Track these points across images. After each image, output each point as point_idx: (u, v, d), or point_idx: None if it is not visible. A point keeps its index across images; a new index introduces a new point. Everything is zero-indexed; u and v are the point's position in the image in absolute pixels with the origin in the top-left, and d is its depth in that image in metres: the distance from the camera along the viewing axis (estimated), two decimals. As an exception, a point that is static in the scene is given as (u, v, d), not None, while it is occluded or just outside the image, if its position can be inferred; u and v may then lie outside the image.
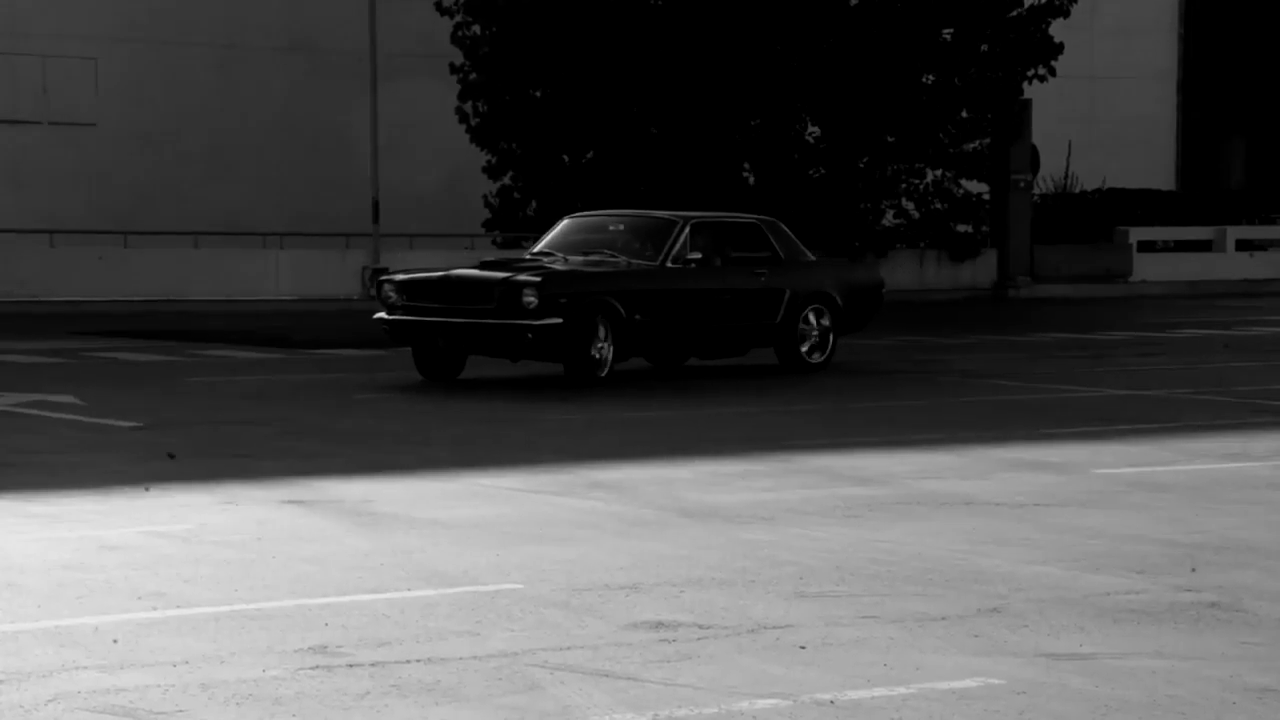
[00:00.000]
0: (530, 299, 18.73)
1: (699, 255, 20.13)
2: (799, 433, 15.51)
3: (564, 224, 21.42)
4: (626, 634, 7.99)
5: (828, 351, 21.47)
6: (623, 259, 20.15)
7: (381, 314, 19.87)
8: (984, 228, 41.07)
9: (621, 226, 21.14)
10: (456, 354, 19.83)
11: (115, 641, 7.80)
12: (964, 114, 39.03)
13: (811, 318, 21.32)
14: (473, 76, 38.11)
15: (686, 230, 20.39)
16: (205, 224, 40.32)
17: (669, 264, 20.04)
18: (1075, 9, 40.16)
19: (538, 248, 21.05)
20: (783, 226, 22.06)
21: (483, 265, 20.60)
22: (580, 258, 20.16)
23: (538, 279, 18.94)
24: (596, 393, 18.58)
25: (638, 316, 19.39)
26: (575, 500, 11.72)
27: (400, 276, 20.02)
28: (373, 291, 19.77)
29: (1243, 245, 45.53)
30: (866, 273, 23.68)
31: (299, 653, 7.64)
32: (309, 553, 9.86)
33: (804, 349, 21.23)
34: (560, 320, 18.76)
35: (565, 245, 20.64)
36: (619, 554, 9.85)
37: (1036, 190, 43.29)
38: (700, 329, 20.45)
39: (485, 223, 38.57)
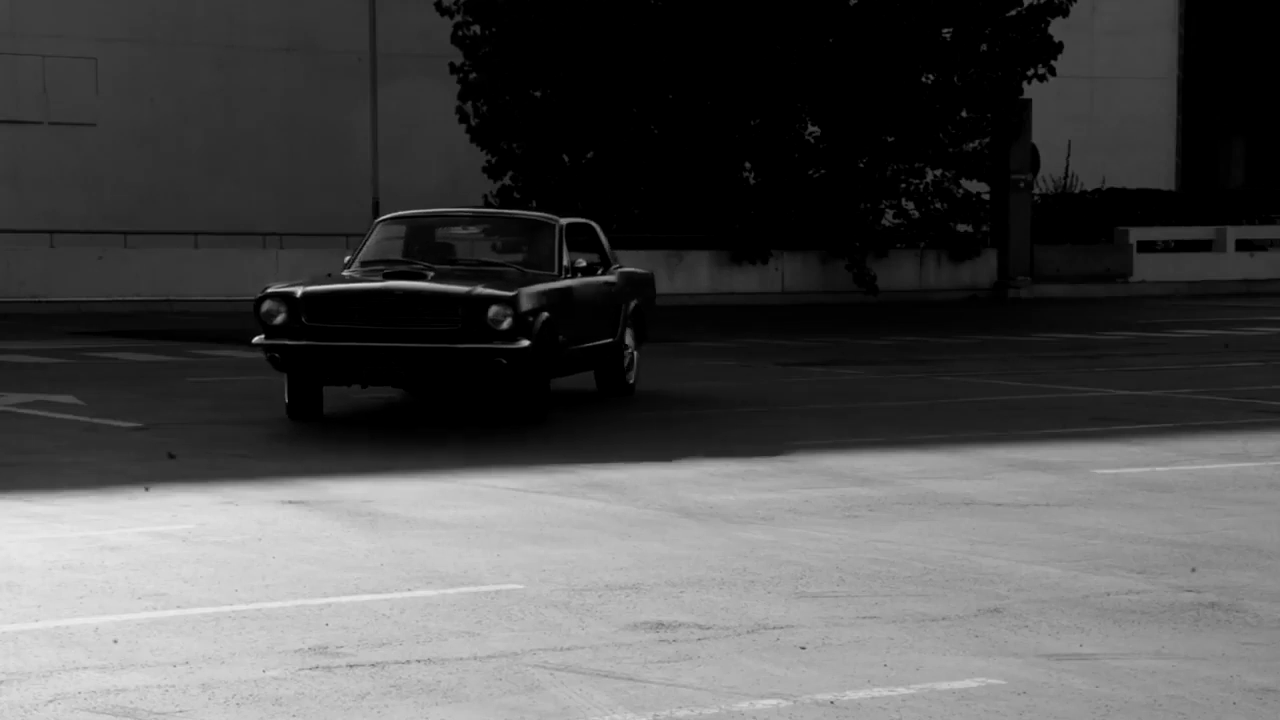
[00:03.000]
0: (503, 317, 15.33)
1: (585, 263, 17.17)
2: (799, 433, 15.50)
3: (382, 228, 17.73)
4: (627, 634, 7.99)
5: (636, 369, 18.52)
6: (513, 268, 16.84)
7: (259, 337, 15.73)
8: (984, 228, 41.07)
9: (478, 229, 18.08)
10: (372, 384, 16.30)
11: (115, 641, 7.80)
12: (964, 114, 39.04)
13: (630, 332, 18.34)
14: (473, 76, 38.12)
15: (565, 233, 17.24)
16: (205, 224, 40.33)
17: (565, 273, 16.84)
18: (1075, 9, 40.18)
19: (365, 256, 17.05)
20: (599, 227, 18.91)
21: (387, 276, 16.18)
22: (465, 267, 16.85)
23: (509, 293, 15.49)
24: (596, 392, 18.55)
25: (561, 337, 16.26)
26: (575, 500, 11.72)
27: (300, 290, 15.75)
28: (258, 308, 15.71)
29: (1243, 245, 45.53)
30: (651, 280, 19.77)
31: (299, 653, 7.64)
32: (309, 553, 9.86)
33: (625, 365, 18.20)
34: (529, 344, 15.46)
35: (412, 252, 17.20)
36: (619, 554, 9.85)
37: (1036, 190, 43.28)
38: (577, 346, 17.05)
39: None
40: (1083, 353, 24.90)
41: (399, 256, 17.03)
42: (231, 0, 42.78)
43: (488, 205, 38.01)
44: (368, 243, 17.39)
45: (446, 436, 15.31)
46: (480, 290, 15.49)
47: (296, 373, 15.82)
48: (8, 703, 6.87)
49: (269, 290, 15.89)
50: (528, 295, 15.65)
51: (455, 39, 38.20)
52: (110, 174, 41.46)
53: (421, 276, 16.07)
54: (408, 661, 7.50)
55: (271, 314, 15.64)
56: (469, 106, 38.16)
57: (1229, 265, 44.98)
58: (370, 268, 16.72)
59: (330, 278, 16.51)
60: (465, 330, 15.40)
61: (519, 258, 17.18)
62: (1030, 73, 38.97)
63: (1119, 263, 43.54)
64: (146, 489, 12.04)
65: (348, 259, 17.26)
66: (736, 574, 9.29)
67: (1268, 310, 35.45)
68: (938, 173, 39.78)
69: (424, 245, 17.45)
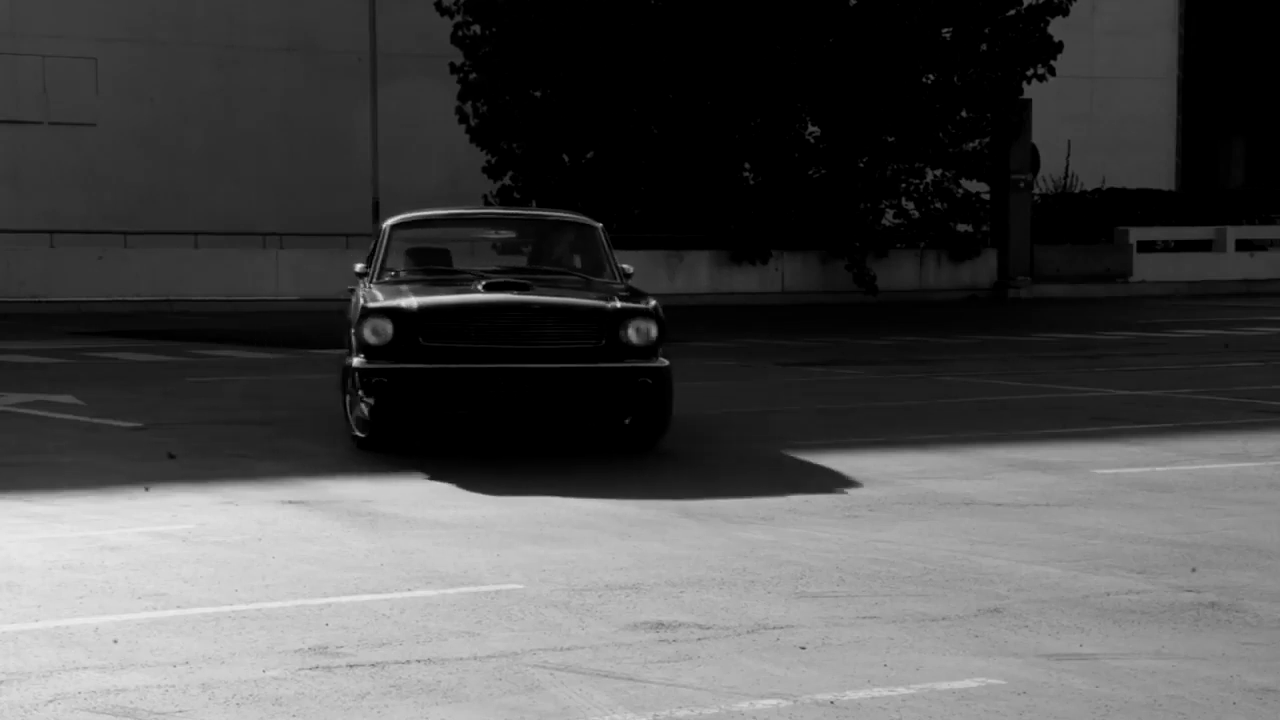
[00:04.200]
0: (648, 333, 13.74)
1: (630, 269, 15.55)
2: (799, 433, 15.50)
3: (398, 232, 15.51)
4: (627, 634, 7.99)
5: None
6: (578, 274, 15.18)
7: (357, 360, 13.64)
8: (984, 228, 41.10)
9: (515, 233, 16.37)
10: (495, 413, 14.46)
11: (115, 641, 7.80)
12: (964, 114, 39.07)
13: None
14: (473, 76, 38.14)
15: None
16: (205, 224, 40.37)
17: (623, 279, 15.16)
18: (1075, 8, 40.21)
19: (379, 264, 15.10)
20: None
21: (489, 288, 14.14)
22: (543, 275, 14.99)
23: (649, 306, 13.93)
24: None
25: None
26: (576, 500, 11.72)
27: (416, 303, 13.68)
28: (358, 327, 13.71)
29: (1243, 245, 45.55)
30: None
31: (299, 653, 7.64)
32: (309, 553, 9.86)
33: None
34: (669, 362, 13.96)
35: (443, 260, 15.41)
36: (619, 554, 9.85)
37: (1036, 190, 43.30)
38: None
39: None
40: (1083, 353, 24.90)
41: (438, 265, 15.24)
42: (231, 0, 42.81)
43: (488, 205, 38.05)
44: (381, 250, 15.26)
45: (446, 436, 15.30)
46: (618, 303, 13.82)
47: (409, 401, 13.66)
48: (8, 703, 6.87)
49: (372, 305, 13.69)
50: (659, 309, 14.03)
51: (455, 39, 38.22)
52: (110, 174, 41.48)
53: (527, 288, 14.12)
54: (408, 661, 7.50)
55: (378, 333, 13.52)
56: (469, 106, 38.18)
57: (1229, 265, 45.00)
58: (437, 276, 14.73)
59: (415, 290, 14.09)
60: (607, 348, 13.62)
61: (572, 263, 15.48)
62: (1030, 73, 38.99)
63: (1119, 263, 43.56)
64: (146, 489, 12.05)
65: (362, 267, 15.44)
66: (736, 574, 9.29)
67: (1268, 310, 35.45)
68: (938, 173, 39.81)
69: (446, 249, 15.87)
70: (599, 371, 13.61)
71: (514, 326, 13.63)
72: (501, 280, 14.30)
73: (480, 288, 14.04)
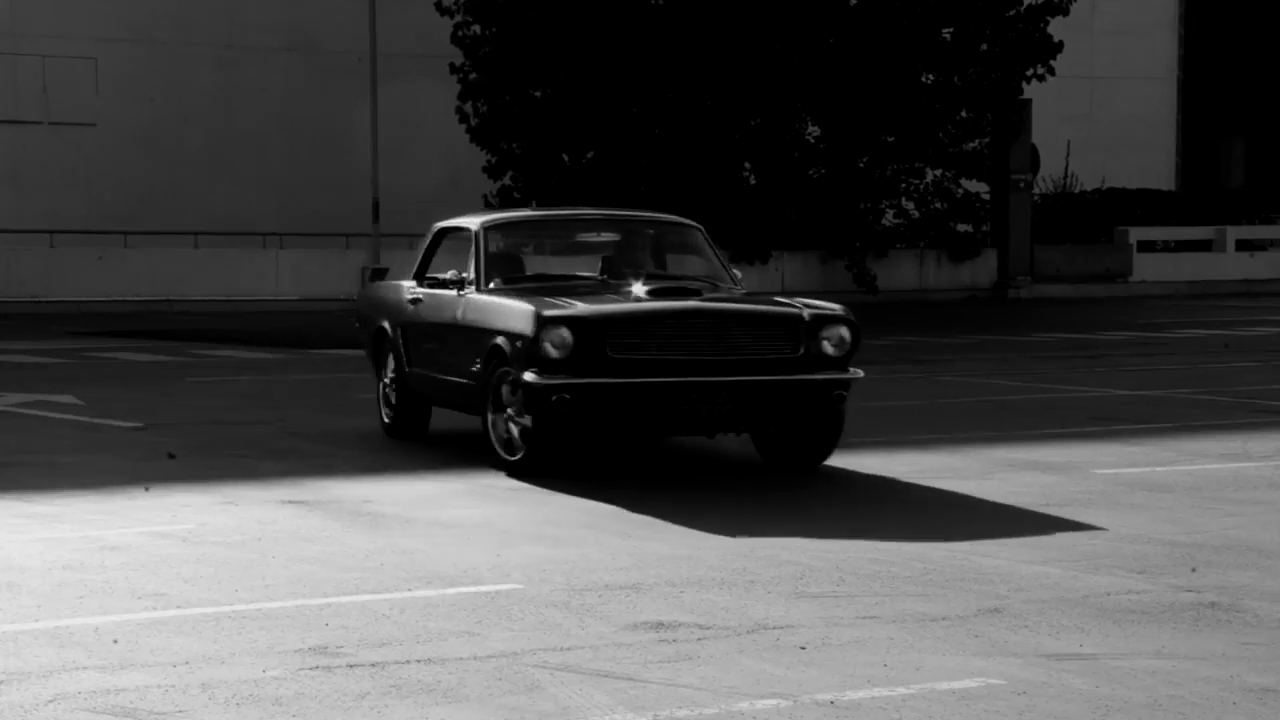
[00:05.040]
0: (845, 341, 12.93)
1: (739, 274, 14.57)
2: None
3: (492, 236, 14.02)
4: (627, 634, 7.99)
5: None
6: (704, 279, 14.08)
7: (530, 375, 12.26)
8: (984, 228, 41.11)
9: (618, 235, 14.98)
10: (688, 432, 13.19)
11: (115, 641, 7.80)
12: (964, 114, 39.06)
13: None
14: (473, 76, 38.14)
15: None
16: (205, 224, 40.40)
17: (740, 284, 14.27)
18: (1075, 8, 40.20)
19: (482, 270, 13.68)
20: None
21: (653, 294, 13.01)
22: (663, 281, 13.56)
23: (843, 311, 13.13)
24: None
25: None
26: (576, 500, 11.72)
27: (604, 310, 12.45)
28: (534, 337, 12.22)
29: (1243, 245, 45.56)
30: None
31: (299, 653, 7.64)
32: (309, 553, 9.86)
33: None
34: (861, 374, 13.26)
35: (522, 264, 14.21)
36: (619, 554, 9.85)
37: (1036, 190, 43.30)
38: None
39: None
40: (1083, 353, 24.90)
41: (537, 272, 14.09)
42: (231, 0, 42.80)
43: (488, 205, 38.07)
44: (483, 254, 13.77)
45: (446, 436, 15.30)
46: (815, 309, 12.90)
47: (590, 418, 12.40)
48: (8, 703, 6.87)
49: (550, 314, 12.29)
50: (852, 314, 13.18)
51: (455, 39, 38.22)
52: (110, 174, 41.48)
53: (697, 294, 13.28)
54: (408, 661, 7.50)
55: (560, 344, 12.20)
56: (469, 106, 38.18)
57: (1229, 265, 45.00)
58: (569, 284, 13.60)
59: (580, 299, 12.79)
60: (801, 358, 12.64)
61: (680, 266, 14.54)
62: (1030, 72, 38.99)
63: (1119, 263, 43.57)
64: (146, 489, 12.05)
65: (414, 276, 14.63)
66: (736, 574, 9.29)
67: (1268, 310, 35.45)
68: (938, 173, 39.82)
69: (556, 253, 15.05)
70: (796, 384, 12.57)
71: (703, 336, 12.49)
72: (661, 287, 13.17)
73: (643, 294, 12.93)
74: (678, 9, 37.47)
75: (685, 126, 37.69)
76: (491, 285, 13.50)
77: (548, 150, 38.14)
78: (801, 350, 12.60)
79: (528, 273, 13.96)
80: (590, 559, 9.69)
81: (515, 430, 12.67)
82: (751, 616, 8.33)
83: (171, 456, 13.66)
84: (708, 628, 8.11)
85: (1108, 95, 51.68)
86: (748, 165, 39.02)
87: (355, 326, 16.31)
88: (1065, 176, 45.83)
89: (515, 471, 12.64)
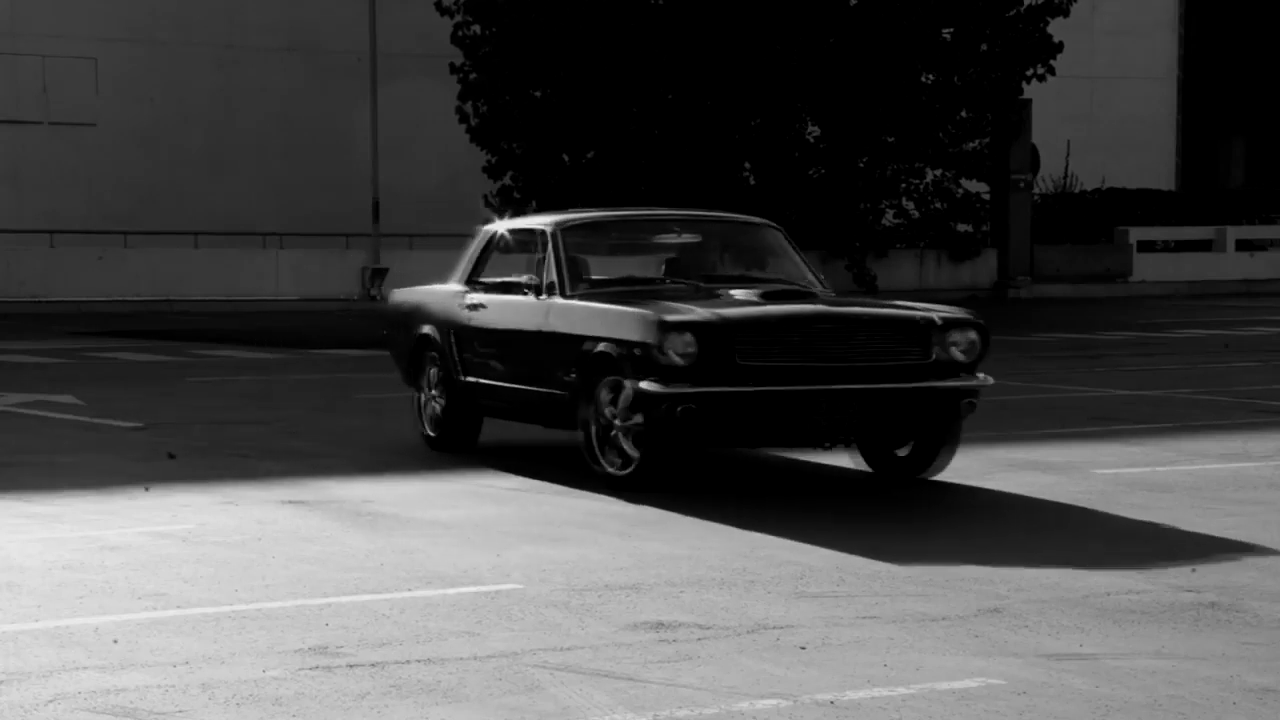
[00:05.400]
0: (973, 347, 12.56)
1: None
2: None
3: (569, 238, 13.27)
4: (627, 634, 7.99)
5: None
6: (800, 283, 13.39)
7: (648, 384, 11.60)
8: (984, 228, 41.11)
9: (699, 236, 14.13)
10: (813, 444, 12.46)
11: (115, 641, 7.80)
12: (964, 114, 39.06)
13: None
14: (473, 76, 38.14)
15: None
16: (205, 224, 40.40)
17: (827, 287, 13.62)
18: (1075, 9, 40.20)
19: (563, 275, 12.99)
20: None
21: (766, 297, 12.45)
22: (769, 285, 13.04)
23: (972, 315, 12.74)
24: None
25: None
26: (576, 500, 11.71)
27: (729, 314, 11.80)
28: (655, 344, 11.51)
29: (1243, 245, 45.57)
30: None
31: (299, 653, 7.64)
32: (309, 553, 9.86)
33: None
34: (991, 380, 12.88)
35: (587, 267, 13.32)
36: (619, 554, 9.85)
37: (1036, 190, 43.31)
38: None
39: (484, 223, 38.58)
40: (1083, 353, 24.90)
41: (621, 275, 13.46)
42: (231, 0, 42.81)
43: (488, 205, 38.05)
44: (556, 255, 13.12)
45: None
46: (945, 313, 12.45)
47: (716, 429, 11.80)
48: (8, 703, 6.87)
49: (674, 319, 11.60)
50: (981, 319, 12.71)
51: (455, 39, 38.22)
52: (110, 174, 41.49)
53: (813, 297, 12.78)
54: (408, 661, 7.50)
55: (684, 351, 11.52)
56: (469, 106, 38.18)
57: (1229, 265, 45.01)
58: (664, 288, 12.98)
59: (695, 303, 12.14)
60: (931, 365, 12.14)
61: (765, 268, 13.80)
62: (1030, 73, 38.98)
63: (1119, 263, 43.58)
64: (146, 489, 12.04)
65: (465, 280, 14.15)
66: (736, 574, 9.29)
67: (1268, 310, 35.45)
68: (938, 173, 39.82)
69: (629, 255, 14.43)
70: (927, 392, 12.05)
71: (831, 342, 11.87)
72: (773, 290, 12.66)
73: (755, 298, 12.32)
74: (678, 9, 37.46)
75: (685, 126, 37.69)
76: (579, 290, 12.88)
77: (548, 150, 38.14)
78: (928, 356, 12.09)
79: (593, 276, 13.23)
80: (590, 559, 9.69)
81: (626, 443, 12.01)
82: (751, 616, 8.33)
83: (171, 456, 13.66)
84: (708, 628, 8.11)
85: (1108, 95, 51.69)
86: (748, 165, 39.02)
87: (383, 334, 15.52)
88: (1065, 176, 45.84)
89: (624, 485, 11.95)
